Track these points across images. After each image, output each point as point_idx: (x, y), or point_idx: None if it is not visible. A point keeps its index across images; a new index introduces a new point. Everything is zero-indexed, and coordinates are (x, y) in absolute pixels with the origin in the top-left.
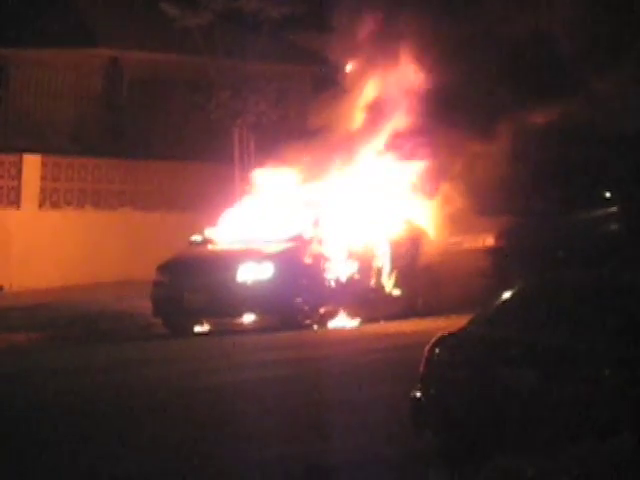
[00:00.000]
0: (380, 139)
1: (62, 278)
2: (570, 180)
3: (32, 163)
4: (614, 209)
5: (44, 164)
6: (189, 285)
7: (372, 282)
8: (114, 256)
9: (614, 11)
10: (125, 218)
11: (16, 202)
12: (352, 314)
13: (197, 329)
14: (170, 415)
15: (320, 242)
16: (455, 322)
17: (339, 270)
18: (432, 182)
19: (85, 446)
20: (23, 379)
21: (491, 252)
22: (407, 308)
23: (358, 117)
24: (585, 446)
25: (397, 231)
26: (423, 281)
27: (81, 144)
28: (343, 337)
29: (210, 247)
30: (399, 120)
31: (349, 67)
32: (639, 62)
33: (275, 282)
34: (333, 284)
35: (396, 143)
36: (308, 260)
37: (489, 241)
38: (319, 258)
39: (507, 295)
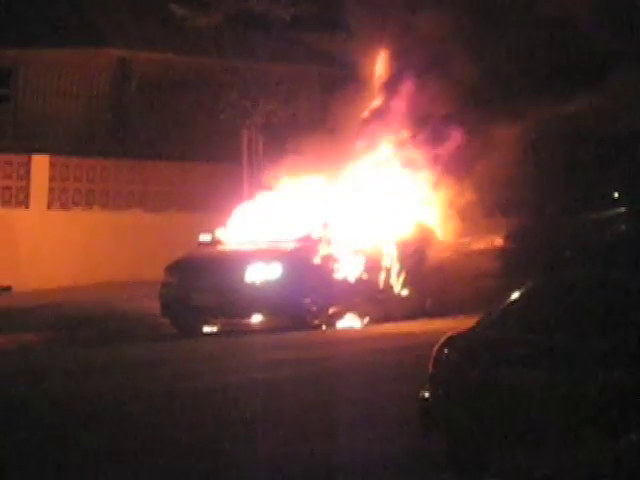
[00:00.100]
0: (389, 141)
1: (70, 278)
2: (578, 180)
3: (41, 163)
4: (623, 209)
5: (52, 164)
6: (198, 285)
7: (381, 282)
8: (122, 256)
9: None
10: (133, 219)
11: (25, 202)
12: (361, 314)
13: (205, 329)
14: (179, 415)
15: (329, 242)
16: (463, 322)
17: (348, 270)
18: (442, 181)
19: (93, 446)
20: (31, 379)
21: (500, 253)
22: (416, 308)
23: (366, 118)
24: (593, 447)
25: (406, 231)
26: (432, 281)
27: (90, 145)
28: (351, 337)
29: (219, 247)
30: (408, 120)
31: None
32: None
33: (284, 282)
34: (342, 284)
35: (408, 141)
36: (317, 260)
37: (498, 242)
38: (328, 258)
39: (515, 296)
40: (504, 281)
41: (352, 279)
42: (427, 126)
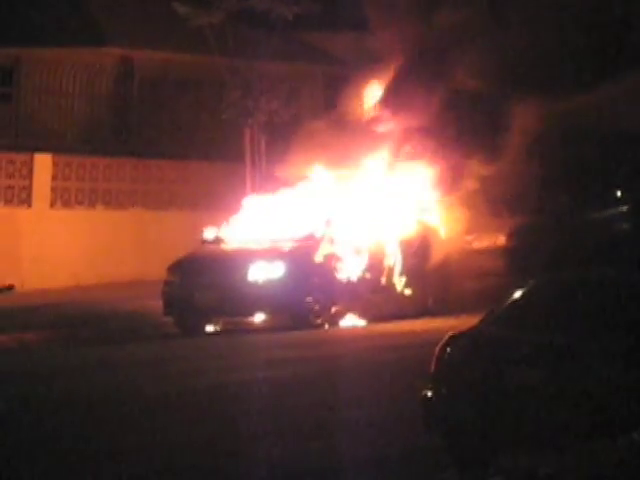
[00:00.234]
0: (393, 138)
1: (73, 277)
2: (581, 179)
3: (43, 162)
4: (625, 208)
5: (55, 163)
6: (200, 284)
7: (383, 281)
8: (125, 255)
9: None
10: (136, 217)
11: (27, 201)
12: (363, 313)
13: (208, 328)
14: (182, 414)
15: (331, 241)
16: (466, 321)
17: (350, 269)
18: (445, 181)
19: (97, 445)
20: (34, 378)
21: (502, 251)
22: (418, 307)
23: (371, 115)
24: (596, 445)
25: (408, 230)
26: (434, 280)
27: (92, 143)
28: (354, 336)
29: (221, 246)
30: (412, 120)
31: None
32: None
33: (286, 281)
34: (344, 283)
35: (409, 142)
36: (319, 259)
37: (500, 240)
38: (330, 257)
39: (518, 294)
40: (507, 280)
41: (355, 278)
42: (431, 125)
